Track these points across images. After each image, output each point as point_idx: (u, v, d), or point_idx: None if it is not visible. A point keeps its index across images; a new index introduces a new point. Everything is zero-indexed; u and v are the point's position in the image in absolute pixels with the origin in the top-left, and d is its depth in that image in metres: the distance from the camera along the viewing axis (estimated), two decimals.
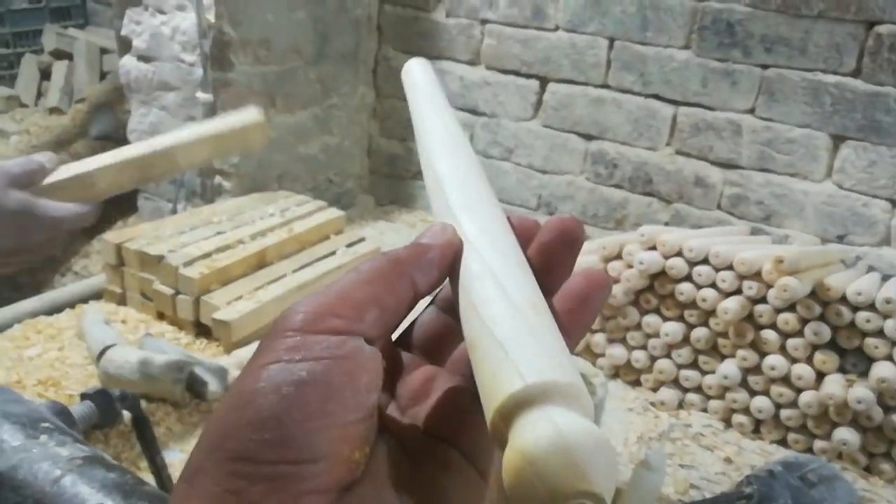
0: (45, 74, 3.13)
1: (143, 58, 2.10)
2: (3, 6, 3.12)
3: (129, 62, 2.14)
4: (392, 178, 2.64)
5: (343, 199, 2.57)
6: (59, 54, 3.15)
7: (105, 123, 2.89)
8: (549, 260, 0.31)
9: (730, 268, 1.52)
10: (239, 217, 1.93)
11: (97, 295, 2.00)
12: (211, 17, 1.90)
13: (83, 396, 0.91)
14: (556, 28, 2.18)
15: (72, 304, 2.01)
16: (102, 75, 3.25)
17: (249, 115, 0.90)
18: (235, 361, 1.52)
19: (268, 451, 0.23)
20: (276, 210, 2.00)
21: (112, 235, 1.73)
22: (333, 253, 1.92)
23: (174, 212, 2.11)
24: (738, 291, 1.51)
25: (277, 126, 2.21)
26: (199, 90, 1.98)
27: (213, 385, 1.40)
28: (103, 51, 3.27)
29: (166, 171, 0.95)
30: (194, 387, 1.38)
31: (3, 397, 0.85)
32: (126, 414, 1.07)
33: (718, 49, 1.96)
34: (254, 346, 1.51)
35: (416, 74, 0.44)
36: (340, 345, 0.25)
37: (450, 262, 0.30)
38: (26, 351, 1.51)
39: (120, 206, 2.76)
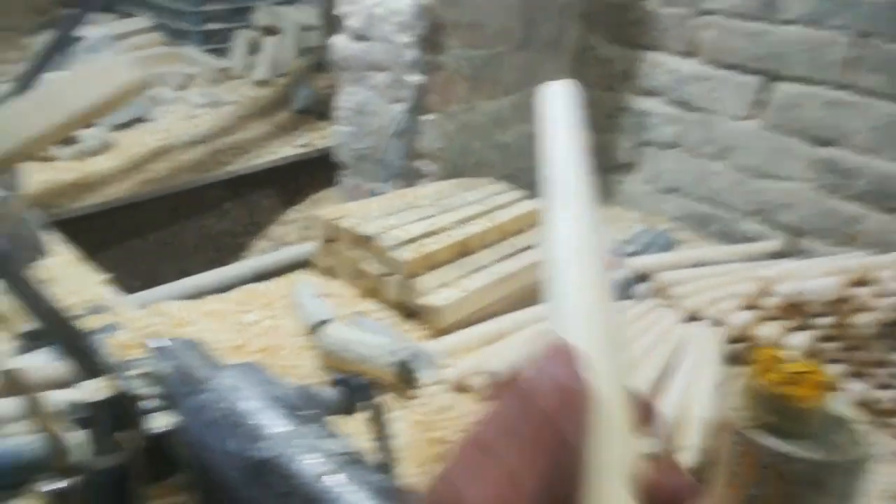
0: (255, 48, 3.31)
1: (356, 37, 2.14)
2: None
3: (340, 41, 2.19)
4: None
5: (535, 189, 2.51)
6: (268, 30, 3.31)
7: (305, 98, 3.00)
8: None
9: None
10: (442, 202, 1.92)
11: (301, 265, 2.07)
12: None
13: (334, 382, 0.91)
14: (792, 21, 1.98)
15: (277, 272, 2.10)
16: (303, 51, 3.39)
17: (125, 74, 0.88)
18: (443, 348, 1.51)
19: None
20: (477, 197, 1.97)
21: (326, 211, 1.78)
22: (533, 246, 1.87)
23: (376, 192, 2.15)
24: None
25: (480, 113, 2.18)
26: (409, 72, 1.98)
27: (423, 372, 1.39)
28: (305, 28, 3.40)
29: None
30: (405, 372, 1.38)
31: (261, 377, 0.86)
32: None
33: None
34: (460, 333, 1.46)
35: (559, 100, 0.39)
36: None
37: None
38: (245, 316, 1.58)
39: (317, 179, 2.87)
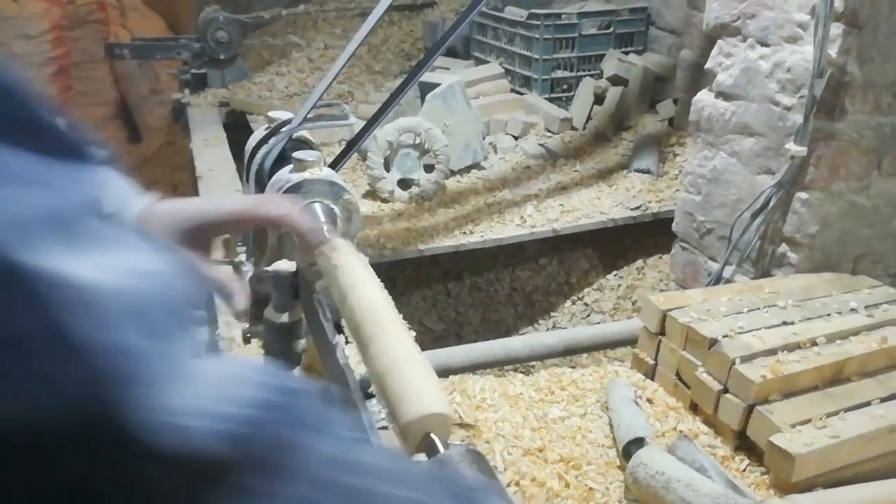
0: (599, 99, 3.14)
1: (724, 95, 1.82)
2: (576, 31, 3.23)
3: (705, 98, 1.89)
4: None
5: None
6: (615, 80, 3.13)
7: (647, 159, 2.74)
8: None
9: None
10: (809, 304, 1.51)
11: (620, 344, 1.84)
12: (833, 51, 1.51)
13: None
14: None
15: (590, 348, 1.88)
16: (652, 104, 3.14)
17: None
18: None
19: None
20: (858, 303, 1.52)
21: (658, 299, 1.49)
22: None
23: (718, 278, 1.80)
24: None
25: (875, 194, 1.71)
26: (790, 140, 1.61)
27: None
28: (658, 79, 3.14)
29: None
30: None
31: None
32: None
33: None
34: (821, 496, 1.01)
35: None
36: None
37: None
38: (550, 409, 1.36)
39: (645, 245, 2.58)
